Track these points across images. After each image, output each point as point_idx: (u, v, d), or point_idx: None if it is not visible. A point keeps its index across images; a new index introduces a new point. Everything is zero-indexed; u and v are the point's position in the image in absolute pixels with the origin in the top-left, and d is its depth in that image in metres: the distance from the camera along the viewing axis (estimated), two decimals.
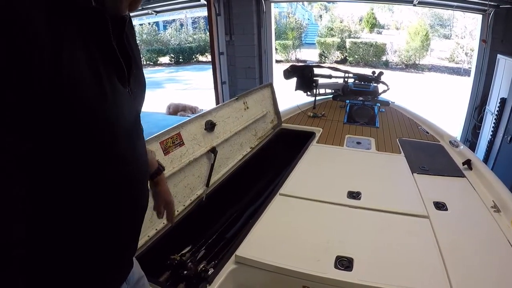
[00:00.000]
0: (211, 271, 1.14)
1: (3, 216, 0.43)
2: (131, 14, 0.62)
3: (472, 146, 4.24)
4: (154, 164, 0.91)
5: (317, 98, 2.95)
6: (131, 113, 0.62)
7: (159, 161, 0.94)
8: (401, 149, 2.14)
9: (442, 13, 13.78)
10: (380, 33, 16.24)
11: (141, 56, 0.73)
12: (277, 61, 6.76)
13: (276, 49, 10.21)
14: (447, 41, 14.05)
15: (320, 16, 17.53)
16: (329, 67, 3.18)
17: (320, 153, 2.11)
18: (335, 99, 3.14)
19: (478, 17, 4.23)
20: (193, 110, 7.14)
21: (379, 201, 1.50)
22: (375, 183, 1.70)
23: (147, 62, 14.59)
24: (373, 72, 3.32)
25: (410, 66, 13.12)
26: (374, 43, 13.29)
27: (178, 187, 1.56)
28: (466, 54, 12.52)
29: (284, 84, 3.11)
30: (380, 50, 13.16)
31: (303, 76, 2.97)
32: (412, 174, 1.80)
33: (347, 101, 2.97)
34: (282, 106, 2.70)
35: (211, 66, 4.92)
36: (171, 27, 16.07)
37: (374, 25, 16.15)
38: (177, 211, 1.50)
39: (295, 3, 15.81)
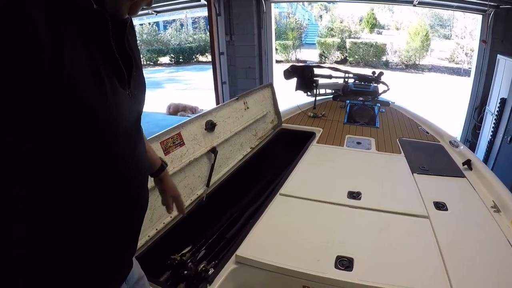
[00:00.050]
0: (211, 271, 1.14)
1: (3, 216, 0.43)
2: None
3: (472, 146, 4.24)
4: (157, 161, 0.93)
5: (317, 98, 2.95)
6: (131, 114, 0.62)
7: (161, 158, 0.95)
8: (401, 149, 2.14)
9: (442, 13, 13.79)
10: (380, 33, 16.25)
11: (141, 56, 0.73)
12: (277, 61, 6.76)
13: (276, 49, 10.19)
14: (447, 42, 14.06)
15: (320, 16, 17.54)
16: (329, 67, 3.18)
17: (320, 153, 2.12)
18: (335, 99, 3.14)
19: (478, 18, 4.23)
20: (193, 110, 7.14)
21: (379, 201, 1.50)
22: (375, 183, 1.70)
23: (147, 62, 14.59)
24: (373, 72, 3.32)
25: (410, 66, 13.12)
26: (374, 44, 13.29)
27: (178, 187, 1.52)
28: (466, 54, 12.52)
29: (284, 84, 3.11)
30: (380, 50, 13.17)
31: (303, 76, 2.97)
32: (412, 174, 1.80)
33: (347, 101, 2.97)
34: (282, 106, 2.71)
35: (211, 66, 4.93)
36: (171, 27, 16.07)
37: (374, 25, 16.16)
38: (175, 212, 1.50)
39: (295, 3, 15.81)
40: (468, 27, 12.62)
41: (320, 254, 1.17)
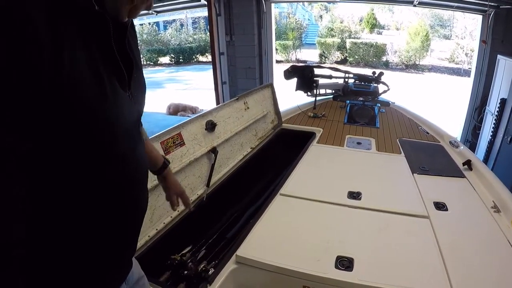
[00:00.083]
0: (211, 271, 1.14)
1: (3, 216, 0.43)
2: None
3: (472, 147, 4.24)
4: (160, 159, 0.94)
5: (318, 98, 2.95)
6: (131, 115, 0.62)
7: (163, 155, 0.96)
8: (401, 150, 2.14)
9: (442, 13, 13.79)
10: (380, 33, 16.25)
11: (141, 56, 0.73)
12: (277, 62, 6.76)
13: (276, 49, 10.20)
14: (447, 42, 14.06)
15: (320, 16, 17.55)
16: (329, 68, 3.18)
17: (321, 153, 2.12)
18: (335, 99, 3.14)
19: (478, 18, 4.23)
20: (193, 110, 7.14)
21: (379, 201, 1.50)
22: (375, 183, 1.70)
23: (147, 62, 14.59)
24: (374, 73, 3.32)
25: (410, 66, 13.12)
26: (374, 44, 13.29)
27: None
28: (466, 54, 12.52)
29: (285, 85, 3.11)
30: (380, 50, 13.17)
31: (304, 76, 2.97)
32: (412, 174, 1.80)
33: (348, 102, 2.97)
34: (283, 106, 2.71)
35: (211, 66, 4.93)
36: (172, 27, 16.07)
37: (374, 25, 16.17)
38: (178, 211, 1.50)
39: (296, 3, 15.81)
40: (468, 27, 12.63)
41: (320, 254, 1.17)
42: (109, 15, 0.53)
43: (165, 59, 15.19)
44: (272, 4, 4.91)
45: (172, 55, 15.07)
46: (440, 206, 1.49)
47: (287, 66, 3.14)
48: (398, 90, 5.01)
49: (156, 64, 14.93)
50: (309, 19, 17.17)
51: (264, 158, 2.30)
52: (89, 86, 0.50)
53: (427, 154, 2.08)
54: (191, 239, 1.50)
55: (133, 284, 0.76)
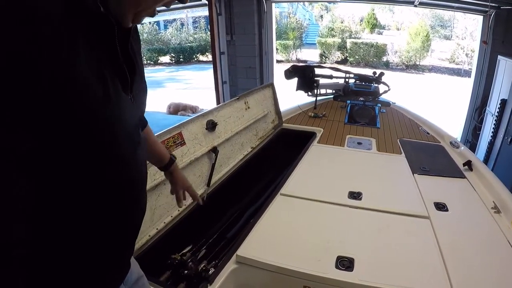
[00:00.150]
0: (211, 270, 1.14)
1: (3, 216, 0.43)
2: None
3: (473, 147, 4.24)
4: (166, 156, 0.98)
5: (318, 98, 2.95)
6: (132, 118, 0.62)
7: (170, 152, 0.98)
8: (401, 150, 2.14)
9: (443, 14, 13.78)
10: (380, 33, 16.26)
11: (142, 55, 0.74)
12: (278, 61, 6.76)
13: (277, 49, 10.22)
14: (447, 42, 14.06)
15: (321, 16, 17.56)
16: (330, 68, 3.18)
17: (321, 153, 2.12)
18: (336, 99, 3.14)
19: (479, 18, 4.23)
20: (193, 109, 7.14)
21: (379, 202, 1.50)
22: (375, 183, 1.70)
23: (148, 62, 14.59)
24: (374, 73, 3.32)
25: (411, 66, 13.12)
26: (374, 44, 13.29)
27: None
28: (466, 55, 12.52)
29: (285, 84, 3.11)
30: (380, 50, 13.17)
31: (304, 76, 2.97)
32: (413, 174, 1.80)
33: (348, 102, 2.97)
34: (283, 106, 2.71)
35: (211, 66, 4.93)
36: (172, 27, 16.07)
37: (374, 25, 16.17)
38: (178, 210, 1.50)
39: (296, 3, 15.81)
40: (469, 28, 12.63)
41: (320, 254, 1.17)
42: (114, 18, 0.53)
43: (165, 59, 15.18)
44: (273, 4, 4.90)
45: (172, 54, 15.07)
46: (440, 207, 1.49)
47: (287, 66, 3.14)
48: (399, 90, 5.01)
49: (156, 63, 14.93)
50: (309, 19, 17.17)
51: (264, 158, 2.30)
52: (92, 87, 0.50)
53: (427, 155, 2.08)
54: (191, 239, 1.50)
55: (132, 284, 0.76)
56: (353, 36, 14.46)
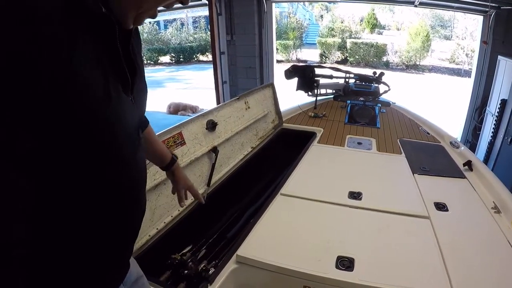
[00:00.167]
0: (212, 270, 1.14)
1: (3, 216, 0.43)
2: None
3: (473, 147, 4.24)
4: (168, 155, 0.98)
5: (318, 98, 2.95)
6: (132, 119, 0.62)
7: (171, 151, 0.99)
8: (401, 150, 2.14)
9: (443, 14, 13.78)
10: (380, 33, 16.26)
11: (142, 55, 0.74)
12: (278, 61, 6.76)
13: (277, 49, 10.20)
14: (447, 42, 14.06)
15: (321, 16, 17.56)
16: (330, 67, 3.18)
17: (321, 153, 2.12)
18: (336, 99, 3.14)
19: (479, 18, 4.23)
20: (193, 109, 7.14)
21: (380, 202, 1.50)
22: (376, 183, 1.70)
23: (148, 61, 14.58)
24: (374, 73, 3.32)
25: (411, 66, 13.12)
26: (374, 44, 13.29)
27: None
28: (466, 55, 12.52)
29: (285, 84, 3.11)
30: (380, 50, 13.17)
31: (304, 76, 2.97)
32: (413, 174, 1.80)
33: (348, 102, 2.97)
34: (283, 106, 2.71)
35: (211, 66, 4.93)
36: (172, 26, 16.07)
37: (375, 25, 16.17)
38: (178, 210, 1.50)
39: (296, 3, 15.81)
40: (469, 28, 12.62)
41: (321, 254, 1.17)
42: (115, 19, 0.53)
43: (165, 58, 15.18)
44: (273, 4, 4.90)
45: (172, 54, 15.07)
46: (440, 207, 1.49)
47: (287, 65, 3.14)
48: (399, 91, 5.01)
49: (156, 63, 14.93)
50: (309, 19, 17.17)
51: (264, 158, 2.30)
52: (93, 87, 0.50)
53: (427, 155, 2.08)
54: (191, 239, 1.50)
55: (132, 284, 0.76)
56: (353, 36, 14.46)
